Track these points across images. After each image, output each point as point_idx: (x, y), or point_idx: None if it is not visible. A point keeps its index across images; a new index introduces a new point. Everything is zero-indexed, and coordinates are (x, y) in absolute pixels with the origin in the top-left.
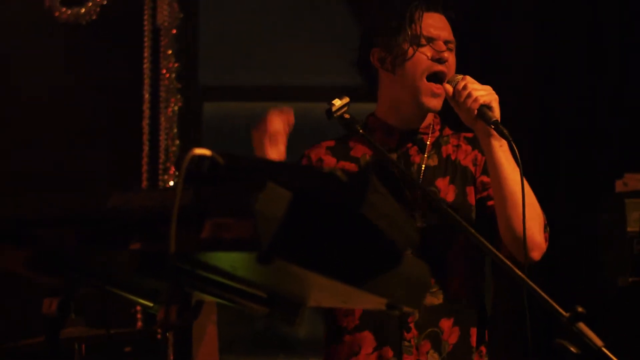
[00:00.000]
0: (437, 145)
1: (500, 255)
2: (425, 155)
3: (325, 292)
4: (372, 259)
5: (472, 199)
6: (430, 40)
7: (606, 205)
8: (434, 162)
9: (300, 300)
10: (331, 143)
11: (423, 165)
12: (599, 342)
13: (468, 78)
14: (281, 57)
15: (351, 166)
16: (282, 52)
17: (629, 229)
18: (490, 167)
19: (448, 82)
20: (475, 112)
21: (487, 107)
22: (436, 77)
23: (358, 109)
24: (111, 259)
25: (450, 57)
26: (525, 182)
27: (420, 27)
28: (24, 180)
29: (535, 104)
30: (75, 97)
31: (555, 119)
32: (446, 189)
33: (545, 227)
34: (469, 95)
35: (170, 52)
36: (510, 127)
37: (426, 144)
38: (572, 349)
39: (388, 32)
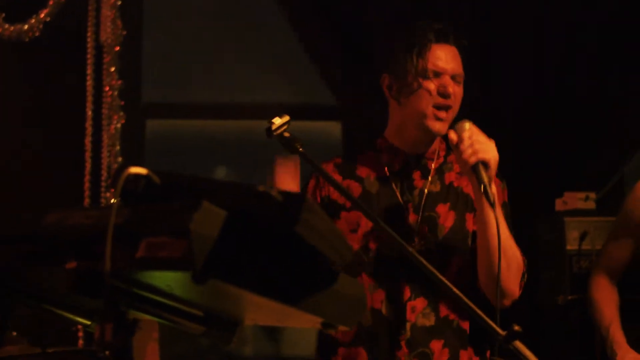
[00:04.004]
0: (440, 171)
1: (442, 279)
2: (429, 181)
3: (261, 311)
4: (307, 278)
5: (470, 225)
6: (437, 74)
7: (546, 223)
8: (436, 188)
9: (236, 319)
10: (340, 160)
11: (425, 190)
12: None
13: (474, 129)
14: (224, 75)
15: (355, 185)
16: (225, 70)
17: (568, 247)
18: (477, 218)
19: (454, 129)
20: (471, 166)
21: (484, 164)
22: (440, 107)
23: (298, 127)
24: (47, 277)
25: (457, 90)
26: (510, 236)
27: (427, 60)
28: None
29: (476, 122)
30: (18, 113)
31: (496, 136)
32: (446, 215)
33: (522, 276)
34: (470, 147)
35: (113, 69)
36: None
37: (430, 169)
38: None
39: (396, 62)
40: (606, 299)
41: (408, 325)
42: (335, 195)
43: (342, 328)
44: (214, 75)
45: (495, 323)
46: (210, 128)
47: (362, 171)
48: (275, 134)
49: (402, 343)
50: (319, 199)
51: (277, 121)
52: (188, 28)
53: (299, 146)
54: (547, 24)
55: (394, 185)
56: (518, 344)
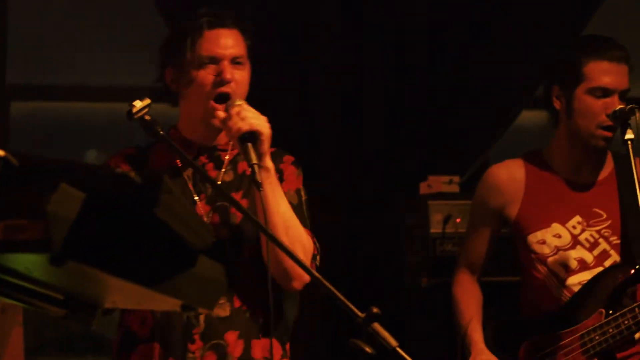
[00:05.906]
0: (234, 162)
1: (298, 260)
2: (222, 171)
3: (121, 294)
4: (165, 260)
5: None
6: (214, 61)
7: (410, 206)
8: (229, 177)
9: (96, 302)
10: (131, 151)
11: (218, 181)
12: (393, 342)
13: (245, 106)
14: (91, 57)
15: None
16: (92, 52)
17: (431, 231)
18: (256, 197)
19: (226, 109)
20: (239, 139)
21: (254, 137)
22: (222, 98)
23: (161, 110)
24: None
25: (238, 74)
26: (294, 217)
27: (201, 48)
28: None
29: (342, 106)
30: None
31: (361, 121)
32: None
33: (313, 258)
34: (238, 119)
35: None
36: (317, 128)
37: (223, 160)
38: (366, 349)
39: (172, 53)
40: (466, 296)
41: (202, 317)
42: None
43: (201, 310)
44: (81, 57)
45: (272, 308)
46: (78, 111)
47: (154, 163)
48: (135, 117)
49: (196, 336)
50: None
51: (138, 104)
52: (53, 10)
53: (159, 129)
54: (412, 10)
55: (186, 177)
56: (376, 326)
